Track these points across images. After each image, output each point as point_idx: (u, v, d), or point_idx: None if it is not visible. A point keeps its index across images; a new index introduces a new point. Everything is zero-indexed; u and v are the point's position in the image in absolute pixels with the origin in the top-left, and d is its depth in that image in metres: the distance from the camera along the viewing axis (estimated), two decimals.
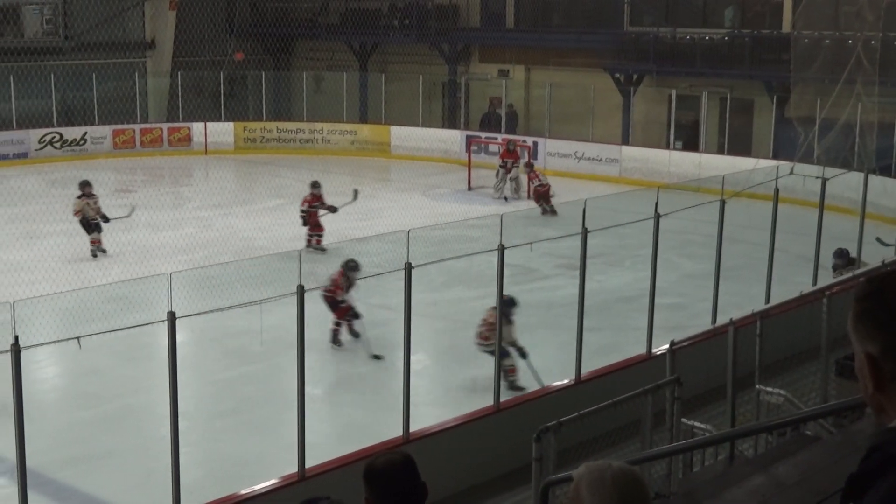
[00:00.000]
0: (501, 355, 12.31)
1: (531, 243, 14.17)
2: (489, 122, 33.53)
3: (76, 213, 20.68)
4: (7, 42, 32.24)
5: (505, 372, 12.88)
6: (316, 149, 34.03)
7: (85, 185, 20.81)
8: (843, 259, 15.67)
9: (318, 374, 13.49)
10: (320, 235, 20.90)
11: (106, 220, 20.75)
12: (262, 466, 10.77)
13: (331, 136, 34.49)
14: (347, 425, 12.50)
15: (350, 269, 15.07)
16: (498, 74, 34.36)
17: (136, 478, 11.03)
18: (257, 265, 17.44)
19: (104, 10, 34.74)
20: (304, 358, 9.62)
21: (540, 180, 24.94)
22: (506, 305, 12.52)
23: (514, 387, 13.07)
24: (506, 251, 11.39)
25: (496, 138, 31.05)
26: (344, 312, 15.18)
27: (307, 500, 3.78)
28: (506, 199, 26.16)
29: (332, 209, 21.10)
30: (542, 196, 24.47)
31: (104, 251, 20.56)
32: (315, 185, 21.26)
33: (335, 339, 15.20)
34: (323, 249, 20.39)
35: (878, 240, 17.00)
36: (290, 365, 9.79)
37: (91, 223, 20.56)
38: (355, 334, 15.25)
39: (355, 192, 21.22)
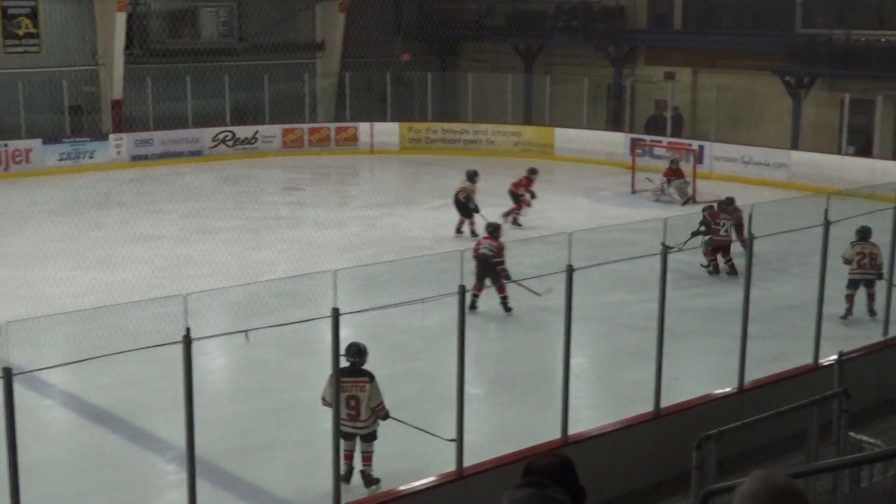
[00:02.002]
0: None
1: (677, 243, 13.95)
2: (655, 125, 33.15)
3: (460, 191, 21.96)
4: (185, 44, 33.31)
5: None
6: (480, 150, 34.19)
7: (473, 175, 22.19)
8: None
9: (478, 373, 13.54)
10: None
11: (477, 210, 21.99)
12: (421, 464, 10.86)
13: (495, 137, 34.61)
14: (506, 426, 12.51)
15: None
16: (664, 77, 33.93)
17: (298, 470, 11.26)
18: (420, 264, 17.60)
19: (277, 13, 35.63)
20: (463, 357, 9.66)
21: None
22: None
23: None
24: (669, 255, 11.23)
25: (661, 141, 30.66)
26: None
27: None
28: (684, 204, 25.56)
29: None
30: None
31: (475, 234, 21.04)
32: (729, 201, 20.54)
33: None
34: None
35: None
36: (450, 364, 9.84)
37: (471, 207, 21.85)
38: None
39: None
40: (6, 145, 29.18)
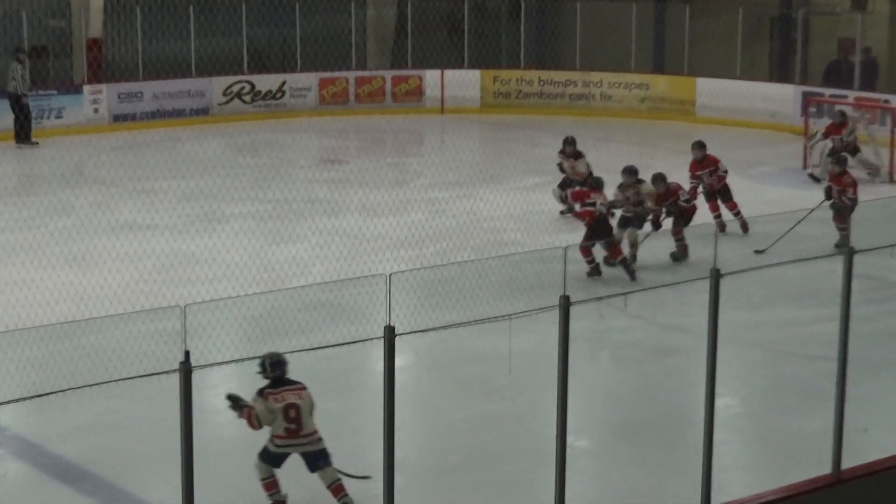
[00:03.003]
0: None
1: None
2: (838, 74, 32.80)
3: (558, 163, 23.20)
4: None
5: None
6: (592, 108, 34.09)
7: (567, 143, 23.03)
8: (631, 176, 19.96)
9: (585, 417, 13.49)
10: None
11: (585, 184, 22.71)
12: None
13: (612, 90, 34.47)
14: (624, 490, 12.46)
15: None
16: (851, 7, 33.59)
17: None
18: (507, 266, 17.61)
19: None
20: (566, 395, 9.62)
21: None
22: None
23: None
24: (856, 256, 11.10)
25: (846, 97, 30.33)
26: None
27: None
28: (817, 179, 25.30)
29: None
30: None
31: (564, 211, 22.78)
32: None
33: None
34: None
35: None
36: (547, 404, 9.83)
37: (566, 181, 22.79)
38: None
39: None
40: None
